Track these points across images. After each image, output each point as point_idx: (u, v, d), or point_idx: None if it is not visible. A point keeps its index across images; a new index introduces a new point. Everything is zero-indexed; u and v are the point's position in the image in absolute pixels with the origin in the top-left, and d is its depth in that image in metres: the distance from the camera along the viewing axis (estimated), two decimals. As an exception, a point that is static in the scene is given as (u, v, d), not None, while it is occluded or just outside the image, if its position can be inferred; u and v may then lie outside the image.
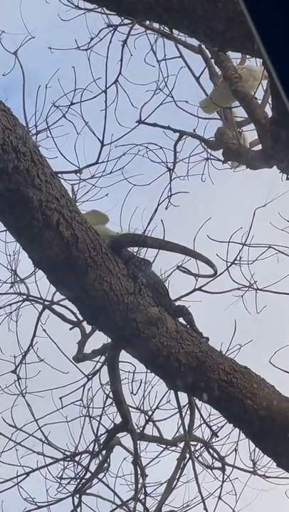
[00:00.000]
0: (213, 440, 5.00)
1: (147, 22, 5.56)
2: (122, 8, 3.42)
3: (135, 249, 4.13)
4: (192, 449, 4.95)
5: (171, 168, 5.60)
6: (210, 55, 5.68)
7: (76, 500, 4.89)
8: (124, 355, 4.33)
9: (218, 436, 4.89)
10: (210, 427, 4.80)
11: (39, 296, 5.19)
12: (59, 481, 5.00)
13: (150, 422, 5.05)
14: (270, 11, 1.17)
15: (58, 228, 3.38)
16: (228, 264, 5.12)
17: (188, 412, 4.81)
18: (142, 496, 4.93)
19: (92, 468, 4.97)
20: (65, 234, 3.40)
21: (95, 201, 5.37)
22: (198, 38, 3.60)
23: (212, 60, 5.70)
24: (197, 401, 4.62)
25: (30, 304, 5.29)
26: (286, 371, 4.49)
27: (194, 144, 5.82)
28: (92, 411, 5.06)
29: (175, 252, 4.02)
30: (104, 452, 4.94)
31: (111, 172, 5.42)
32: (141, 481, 4.90)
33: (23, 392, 5.12)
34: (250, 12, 1.17)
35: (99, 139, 5.31)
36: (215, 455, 5.06)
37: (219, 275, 4.70)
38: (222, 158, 5.69)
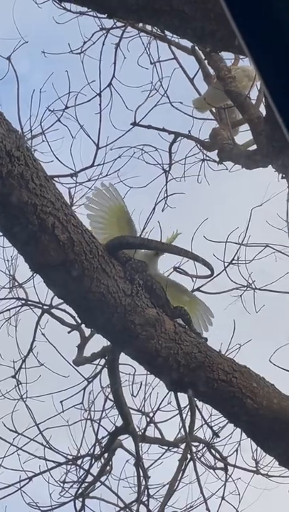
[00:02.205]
0: (215, 440, 5.00)
1: (140, 24, 5.57)
2: (112, 11, 3.43)
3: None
4: (194, 449, 4.95)
5: (167, 169, 5.60)
6: (203, 56, 5.69)
7: (79, 504, 4.90)
8: (124, 358, 4.34)
9: (219, 437, 4.89)
10: (211, 428, 4.80)
11: (38, 300, 5.19)
12: (62, 485, 5.00)
13: (151, 424, 5.04)
14: (251, 11, 1.18)
15: (53, 232, 3.38)
16: (226, 264, 5.12)
17: (189, 413, 4.81)
18: (145, 498, 4.93)
19: (95, 471, 4.97)
20: (61, 237, 3.40)
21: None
22: (189, 38, 3.60)
23: (205, 61, 5.70)
24: (197, 401, 4.62)
25: (29, 309, 5.29)
26: (286, 370, 4.49)
27: (190, 145, 5.83)
28: (94, 414, 5.06)
29: (171, 254, 4.02)
30: (106, 455, 4.95)
31: (107, 175, 5.43)
32: (143, 483, 4.90)
33: (24, 396, 5.13)
34: (231, 11, 1.17)
35: (94, 142, 5.32)
36: (217, 455, 5.06)
37: (217, 275, 4.70)
38: (217, 159, 5.69)
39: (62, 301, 4.34)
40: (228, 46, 3.61)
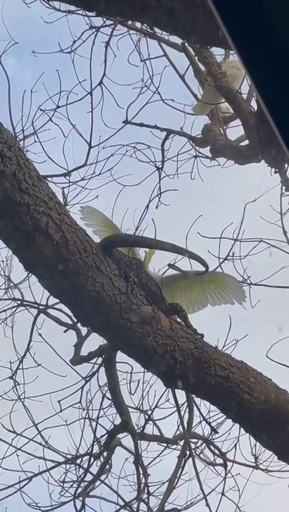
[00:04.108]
0: (214, 436, 5.00)
1: (130, 22, 5.57)
2: (100, 8, 3.42)
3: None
4: (193, 446, 4.95)
5: (160, 167, 5.60)
6: (193, 53, 5.68)
7: (79, 503, 4.89)
8: (121, 356, 4.33)
9: (217, 433, 4.88)
10: (209, 424, 4.80)
11: (33, 300, 5.19)
12: (61, 484, 5.00)
13: (150, 422, 5.04)
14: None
15: (47, 231, 3.38)
16: (221, 260, 5.12)
17: (187, 410, 4.81)
18: (145, 496, 4.93)
19: (94, 470, 4.97)
20: (55, 236, 3.40)
21: (86, 204, 5.37)
22: (178, 35, 3.60)
23: (196, 58, 5.70)
24: (195, 398, 4.62)
25: (24, 309, 5.29)
26: (283, 364, 4.49)
27: (182, 142, 5.83)
28: (92, 413, 5.05)
29: (165, 251, 4.02)
30: (105, 454, 4.94)
31: (100, 174, 5.43)
32: (143, 480, 4.90)
33: (22, 397, 5.12)
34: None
35: (86, 141, 5.31)
36: (216, 451, 5.06)
37: (212, 272, 4.70)
38: (210, 155, 5.69)
39: (57, 300, 4.34)
40: (218, 42, 3.61)
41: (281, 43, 1.18)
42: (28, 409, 5.07)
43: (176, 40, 5.51)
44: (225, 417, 4.41)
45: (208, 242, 5.07)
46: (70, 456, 5.03)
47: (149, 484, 4.95)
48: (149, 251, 4.13)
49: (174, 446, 5.08)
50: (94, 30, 5.59)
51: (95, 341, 4.77)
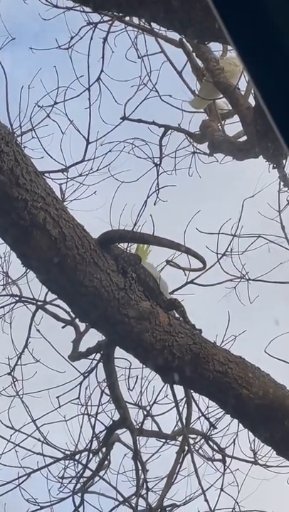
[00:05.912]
0: (212, 432, 5.00)
1: (127, 18, 5.56)
2: (97, 3, 3.42)
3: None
4: (192, 441, 4.95)
5: (158, 163, 5.59)
6: (191, 49, 5.68)
7: (78, 499, 4.89)
8: (119, 352, 4.34)
9: (216, 428, 4.89)
10: (208, 419, 4.80)
11: (32, 296, 5.18)
12: (60, 480, 5.00)
13: (149, 417, 5.04)
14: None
15: (45, 227, 3.38)
16: (219, 255, 5.12)
17: (186, 405, 4.81)
18: (144, 492, 4.93)
19: (93, 466, 4.97)
20: (53, 232, 3.40)
21: (83, 199, 5.38)
22: (175, 29, 3.59)
23: (193, 53, 5.69)
24: (194, 393, 4.63)
25: (23, 305, 5.29)
26: (281, 359, 4.50)
27: (180, 138, 5.82)
28: (91, 409, 5.06)
29: (163, 247, 4.02)
30: (104, 449, 4.95)
31: (98, 170, 5.43)
32: (142, 476, 4.90)
33: (20, 393, 5.13)
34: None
35: (84, 137, 5.31)
36: (215, 447, 5.06)
37: (210, 267, 4.71)
38: (208, 151, 5.69)
39: (56, 296, 4.34)
40: (216, 37, 3.61)
41: (278, 38, 1.18)
42: (27, 406, 5.07)
43: (174, 36, 5.51)
44: (223, 412, 4.41)
45: (207, 238, 5.08)
46: (68, 452, 5.04)
47: (147, 480, 4.96)
48: (142, 249, 4.13)
49: (173, 442, 5.08)
50: (91, 26, 5.59)
51: (93, 337, 4.77)
